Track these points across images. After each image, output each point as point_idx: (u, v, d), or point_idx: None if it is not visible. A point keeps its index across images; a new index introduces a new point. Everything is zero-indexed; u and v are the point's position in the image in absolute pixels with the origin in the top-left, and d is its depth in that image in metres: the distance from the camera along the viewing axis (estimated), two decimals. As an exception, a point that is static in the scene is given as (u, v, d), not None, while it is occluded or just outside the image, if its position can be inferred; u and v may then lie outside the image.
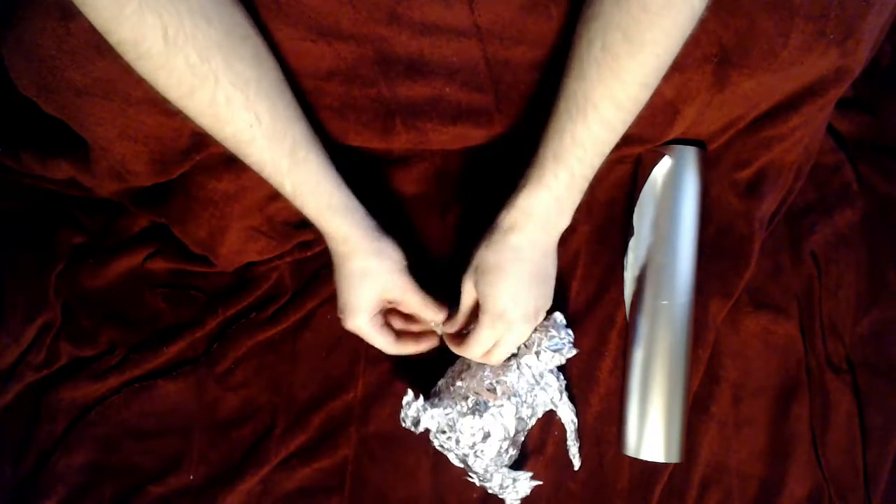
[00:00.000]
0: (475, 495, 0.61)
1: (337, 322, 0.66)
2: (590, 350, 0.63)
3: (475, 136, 0.60)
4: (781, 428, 0.63)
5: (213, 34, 0.44)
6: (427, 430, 0.56)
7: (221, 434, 0.64)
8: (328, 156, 0.53)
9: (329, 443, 0.63)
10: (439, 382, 0.60)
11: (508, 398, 0.56)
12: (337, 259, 0.56)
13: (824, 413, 0.63)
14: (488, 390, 0.57)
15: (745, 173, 0.64)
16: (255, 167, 0.51)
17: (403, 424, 0.56)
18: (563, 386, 0.60)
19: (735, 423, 0.63)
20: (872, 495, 0.61)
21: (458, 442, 0.55)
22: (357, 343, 0.65)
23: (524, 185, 0.52)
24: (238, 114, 0.47)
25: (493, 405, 0.55)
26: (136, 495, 0.62)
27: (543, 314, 0.57)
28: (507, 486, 0.57)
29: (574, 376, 0.63)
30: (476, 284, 0.54)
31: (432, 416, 0.55)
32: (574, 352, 0.58)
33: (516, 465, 0.59)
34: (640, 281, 0.61)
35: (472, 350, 0.55)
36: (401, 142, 0.60)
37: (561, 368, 0.61)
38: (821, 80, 0.57)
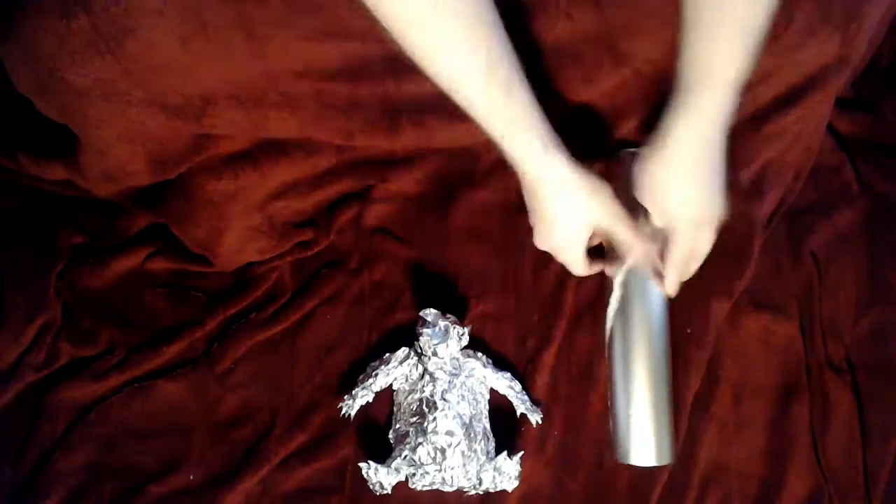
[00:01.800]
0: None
1: (337, 322, 0.66)
2: (589, 349, 0.63)
3: (481, 132, 0.60)
4: (781, 428, 0.63)
5: None
6: (406, 481, 0.57)
7: (221, 434, 0.64)
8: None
9: (329, 443, 0.63)
10: (389, 436, 0.61)
11: (435, 407, 0.57)
12: (546, 187, 0.53)
13: (824, 413, 0.63)
14: (417, 414, 0.58)
15: (745, 173, 0.64)
16: (464, 103, 0.48)
17: (378, 493, 0.57)
18: (485, 361, 0.61)
19: (735, 423, 0.63)
20: (872, 495, 0.61)
21: (427, 473, 0.56)
22: (357, 343, 0.65)
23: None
24: (457, 44, 0.44)
25: (428, 423, 0.56)
26: (136, 495, 0.62)
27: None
28: (495, 477, 0.57)
29: (574, 376, 0.63)
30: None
31: (396, 470, 0.56)
32: (459, 328, 0.59)
33: (499, 451, 0.59)
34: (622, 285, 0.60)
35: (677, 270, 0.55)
36: (406, 139, 0.60)
37: (475, 348, 0.62)
38: (821, 71, 0.57)
